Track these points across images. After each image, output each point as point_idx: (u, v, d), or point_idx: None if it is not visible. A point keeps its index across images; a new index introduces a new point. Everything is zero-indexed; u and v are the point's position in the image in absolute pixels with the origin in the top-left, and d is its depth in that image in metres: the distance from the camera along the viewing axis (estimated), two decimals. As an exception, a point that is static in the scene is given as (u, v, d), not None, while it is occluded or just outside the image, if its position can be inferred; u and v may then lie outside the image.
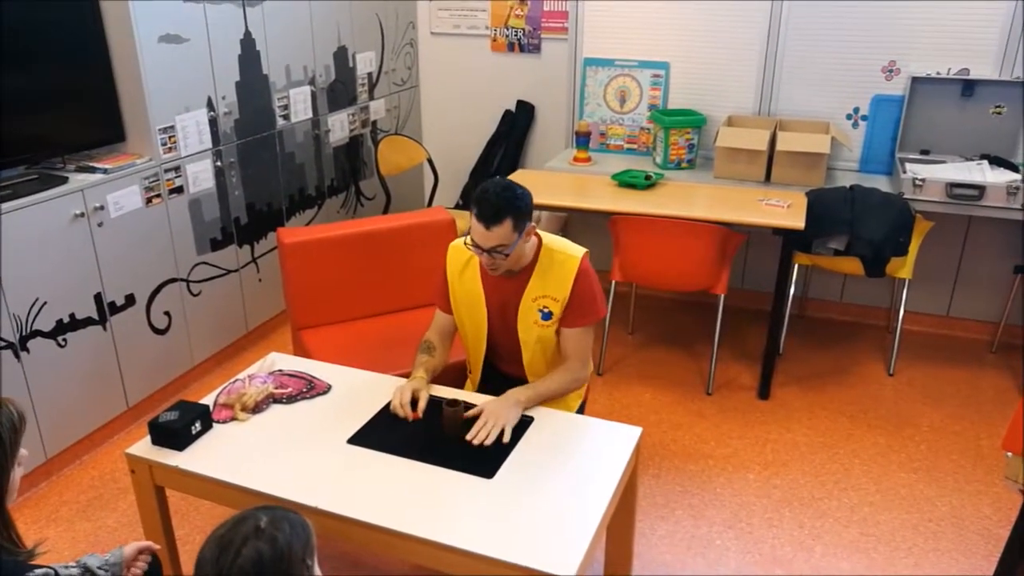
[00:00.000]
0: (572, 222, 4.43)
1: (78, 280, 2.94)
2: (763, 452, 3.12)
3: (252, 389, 2.26)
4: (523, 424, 2.14)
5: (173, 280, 3.37)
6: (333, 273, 3.07)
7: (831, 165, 3.88)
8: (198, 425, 2.11)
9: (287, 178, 3.98)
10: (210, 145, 3.45)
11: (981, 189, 3.35)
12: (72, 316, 2.93)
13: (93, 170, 3.00)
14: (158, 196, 3.22)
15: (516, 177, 3.65)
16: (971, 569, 2.54)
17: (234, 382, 2.32)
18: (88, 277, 2.97)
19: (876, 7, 3.70)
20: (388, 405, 2.21)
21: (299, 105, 3.96)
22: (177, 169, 3.29)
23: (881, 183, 3.66)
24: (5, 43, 2.70)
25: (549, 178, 3.77)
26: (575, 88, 4.32)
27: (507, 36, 4.61)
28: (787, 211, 3.28)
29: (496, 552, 1.70)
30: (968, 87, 3.66)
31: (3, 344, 2.69)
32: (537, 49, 4.59)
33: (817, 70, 3.87)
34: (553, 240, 2.34)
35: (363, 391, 2.32)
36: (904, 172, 3.52)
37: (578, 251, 2.31)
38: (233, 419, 2.19)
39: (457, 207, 4.90)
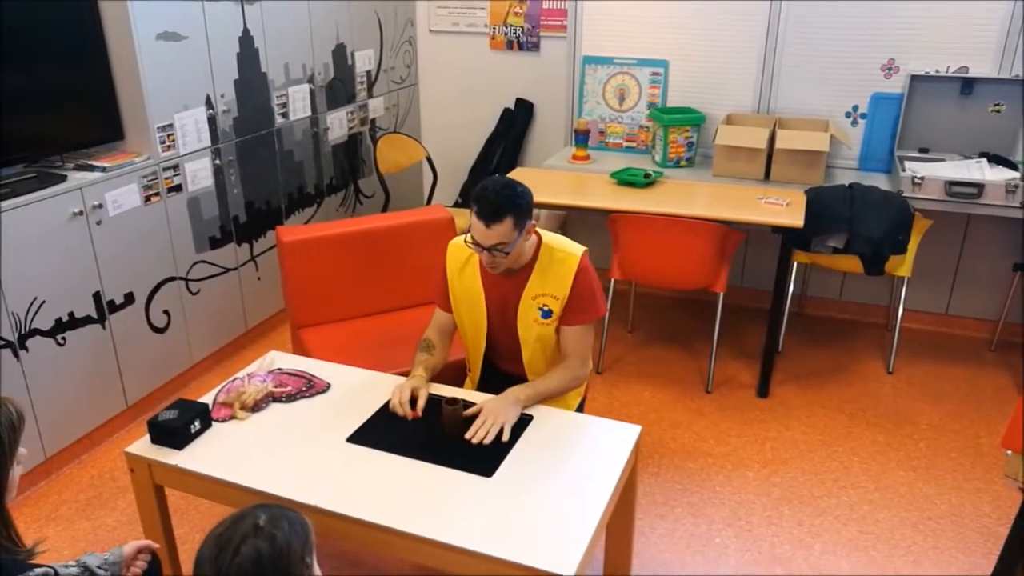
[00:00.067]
0: (571, 220, 4.43)
1: (77, 279, 2.93)
2: (762, 450, 3.12)
3: (251, 388, 2.26)
4: (522, 422, 2.14)
5: (172, 279, 3.36)
6: (332, 271, 3.07)
7: (830, 163, 3.87)
8: (197, 424, 2.11)
9: (286, 176, 3.98)
10: (209, 143, 3.44)
11: (980, 187, 3.35)
12: (71, 315, 2.93)
13: (92, 168, 3.00)
14: (157, 194, 3.22)
15: (515, 175, 3.65)
16: (970, 567, 2.55)
17: (233, 381, 2.32)
18: (87, 276, 2.97)
19: (875, 5, 3.69)
20: (387, 404, 2.21)
21: (298, 103, 3.96)
22: (176, 167, 3.29)
23: (880, 181, 3.66)
24: (4, 42, 2.69)
25: (548, 176, 3.77)
26: (574, 86, 4.31)
27: (506, 34, 4.61)
28: (786, 209, 3.28)
29: (496, 551, 1.70)
30: (967, 85, 3.66)
31: (2, 343, 2.69)
32: (536, 47, 4.58)
33: (816, 68, 3.87)
34: (553, 238, 2.33)
35: (362, 390, 2.31)
36: (903, 170, 3.52)
37: (578, 249, 2.31)
38: (232, 418, 2.19)
39: (456, 205, 4.90)
